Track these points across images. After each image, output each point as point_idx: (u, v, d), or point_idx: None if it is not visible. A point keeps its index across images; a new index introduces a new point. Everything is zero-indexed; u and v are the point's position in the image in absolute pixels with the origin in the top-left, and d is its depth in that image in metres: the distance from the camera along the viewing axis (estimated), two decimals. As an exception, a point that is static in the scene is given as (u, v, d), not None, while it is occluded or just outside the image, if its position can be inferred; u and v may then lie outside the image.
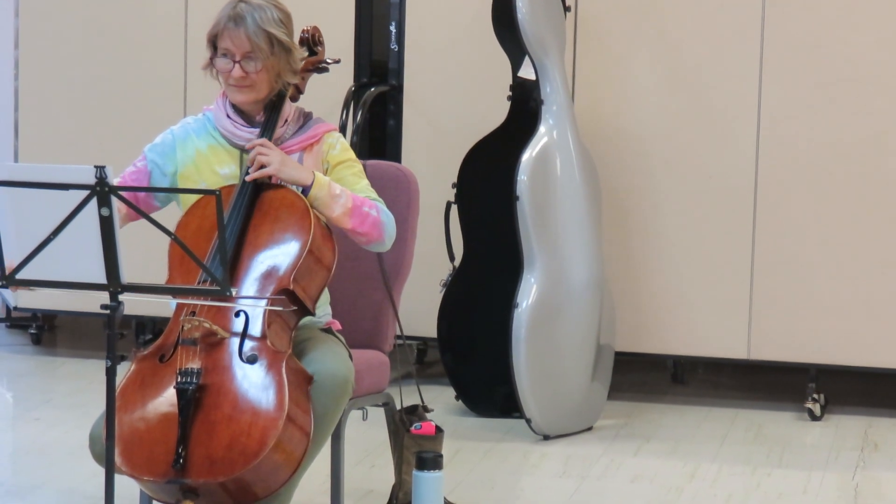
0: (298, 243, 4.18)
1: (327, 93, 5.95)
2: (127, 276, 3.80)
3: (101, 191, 3.73)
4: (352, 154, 4.43)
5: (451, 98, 6.36)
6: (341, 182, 4.33)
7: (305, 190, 4.25)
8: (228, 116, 4.36)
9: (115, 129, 6.53)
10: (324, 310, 4.41)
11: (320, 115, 4.47)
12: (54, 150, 6.61)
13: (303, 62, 4.43)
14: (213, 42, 4.32)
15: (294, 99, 4.44)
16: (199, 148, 4.39)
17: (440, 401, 6.03)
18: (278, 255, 4.19)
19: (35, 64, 6.69)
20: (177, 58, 6.54)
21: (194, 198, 4.24)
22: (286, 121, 4.38)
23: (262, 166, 4.21)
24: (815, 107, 6.11)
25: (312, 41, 4.47)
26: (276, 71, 4.32)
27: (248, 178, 4.23)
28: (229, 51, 4.29)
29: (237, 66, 4.28)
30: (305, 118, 4.43)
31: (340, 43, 6.12)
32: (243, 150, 4.33)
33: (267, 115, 4.35)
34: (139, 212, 3.86)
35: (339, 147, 4.41)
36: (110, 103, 6.60)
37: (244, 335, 4.07)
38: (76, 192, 3.73)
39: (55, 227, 3.77)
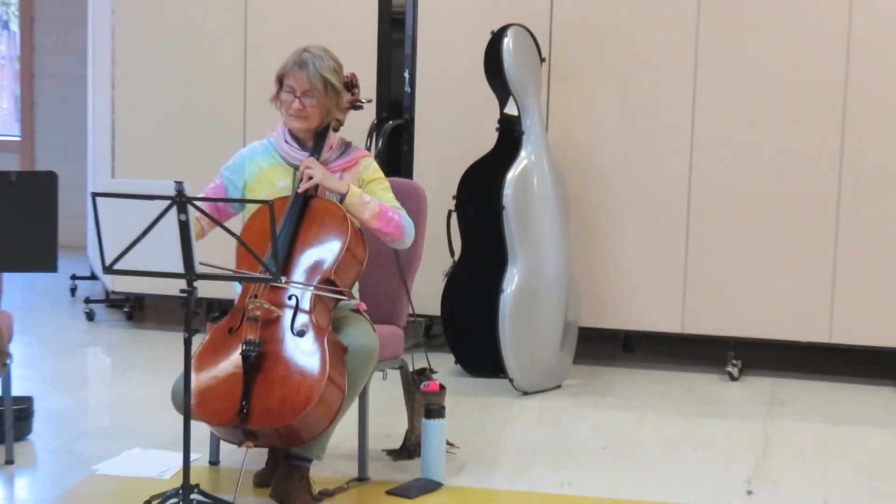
0: (339, 243, 4.18)
1: (356, 124, 5.93)
2: (199, 267, 3.82)
3: (180, 201, 3.74)
4: (381, 174, 4.44)
5: (452, 129, 6.34)
6: (372, 195, 4.34)
7: (342, 197, 4.25)
8: (286, 141, 4.37)
9: (189, 151, 6.53)
10: (354, 294, 4.41)
11: (355, 141, 4.48)
12: (143, 168, 6.60)
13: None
14: (280, 80, 4.34)
15: (336, 129, 4.44)
16: (262, 166, 4.40)
17: (443, 365, 6.02)
18: (323, 251, 4.19)
19: (127, 102, 6.68)
20: (237, 99, 6.53)
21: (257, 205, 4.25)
22: (331, 147, 4.39)
23: (309, 178, 4.23)
24: (737, 135, 6.11)
25: (351, 84, 4.47)
26: (327, 108, 4.33)
27: (299, 190, 4.24)
28: (292, 88, 4.30)
29: (297, 100, 4.30)
30: (346, 146, 4.44)
31: (366, 86, 6.07)
32: (296, 168, 4.34)
33: (315, 141, 4.37)
34: (213, 220, 3.87)
35: (371, 168, 4.42)
36: (186, 131, 6.59)
37: (295, 314, 4.07)
38: (160, 201, 3.75)
39: (144, 229, 3.78)
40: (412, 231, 4.37)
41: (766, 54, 6.06)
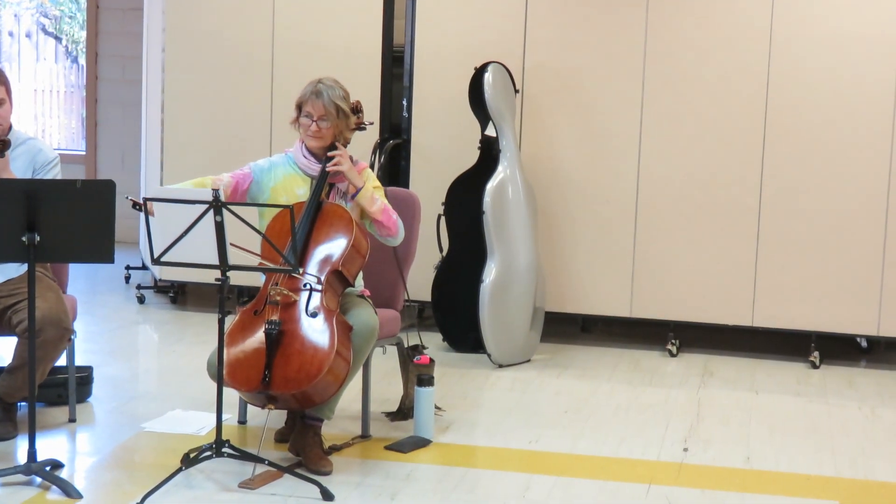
0: (345, 240, 4.16)
1: (363, 143, 5.93)
2: (231, 259, 3.79)
3: (216, 205, 3.72)
4: (378, 182, 4.43)
5: (442, 147, 6.32)
6: None
7: (358, 190, 4.23)
8: (304, 156, 4.34)
9: (223, 164, 6.47)
10: (359, 283, 4.39)
11: (357, 157, 4.45)
12: (186, 177, 6.52)
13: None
14: (299, 107, 4.31)
15: (344, 146, 4.40)
16: (284, 174, 4.37)
17: (432, 342, 6.01)
18: (332, 248, 4.17)
19: (173, 123, 6.66)
20: (265, 122, 6.51)
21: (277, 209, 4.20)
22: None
23: (337, 164, 4.22)
24: (676, 155, 6.10)
25: (356, 109, 4.45)
26: (339, 129, 4.31)
27: (327, 169, 4.23)
28: (310, 113, 4.27)
29: (314, 123, 4.27)
30: (351, 160, 4.40)
31: (371, 111, 6.09)
32: (313, 178, 4.31)
33: (327, 155, 4.32)
34: (243, 221, 3.82)
35: (373, 177, 4.39)
36: (221, 148, 6.57)
37: (309, 299, 4.05)
38: (200, 205, 3.73)
39: (186, 228, 3.76)
40: (403, 232, 4.36)
41: (699, 91, 6.05)
